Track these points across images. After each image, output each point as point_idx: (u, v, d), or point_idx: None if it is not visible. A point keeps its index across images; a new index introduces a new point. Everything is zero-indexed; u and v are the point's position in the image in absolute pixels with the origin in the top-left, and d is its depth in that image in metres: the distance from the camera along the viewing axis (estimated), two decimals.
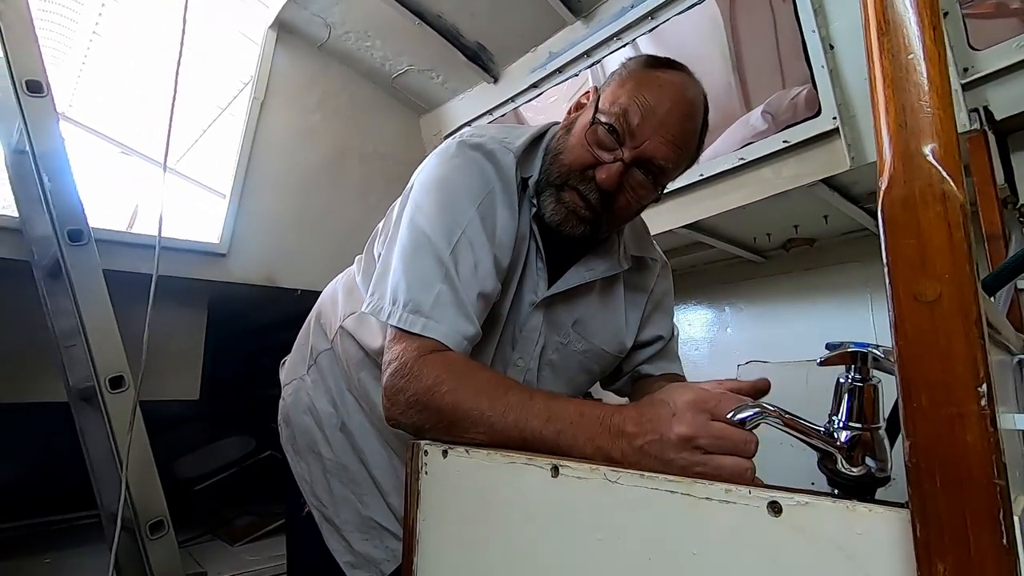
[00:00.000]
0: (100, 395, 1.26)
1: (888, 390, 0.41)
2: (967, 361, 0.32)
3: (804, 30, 1.55)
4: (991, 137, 1.34)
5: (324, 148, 2.32)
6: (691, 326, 2.63)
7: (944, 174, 0.34)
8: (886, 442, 0.47)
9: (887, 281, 0.35)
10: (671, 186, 0.95)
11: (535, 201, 0.89)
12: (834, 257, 2.19)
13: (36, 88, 1.31)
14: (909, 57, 0.36)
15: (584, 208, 0.84)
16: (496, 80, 2.29)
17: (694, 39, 2.27)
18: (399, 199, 0.93)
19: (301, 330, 1.17)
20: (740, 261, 2.41)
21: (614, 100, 0.83)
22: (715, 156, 1.84)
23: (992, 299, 0.83)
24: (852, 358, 0.47)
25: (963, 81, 1.38)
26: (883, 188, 0.36)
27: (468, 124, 2.43)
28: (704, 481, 0.44)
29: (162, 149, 1.18)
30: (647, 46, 1.99)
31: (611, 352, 1.01)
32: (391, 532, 0.99)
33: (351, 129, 2.40)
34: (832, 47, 1.54)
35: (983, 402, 0.31)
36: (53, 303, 1.37)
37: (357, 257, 1.08)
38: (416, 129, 2.65)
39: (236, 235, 2.05)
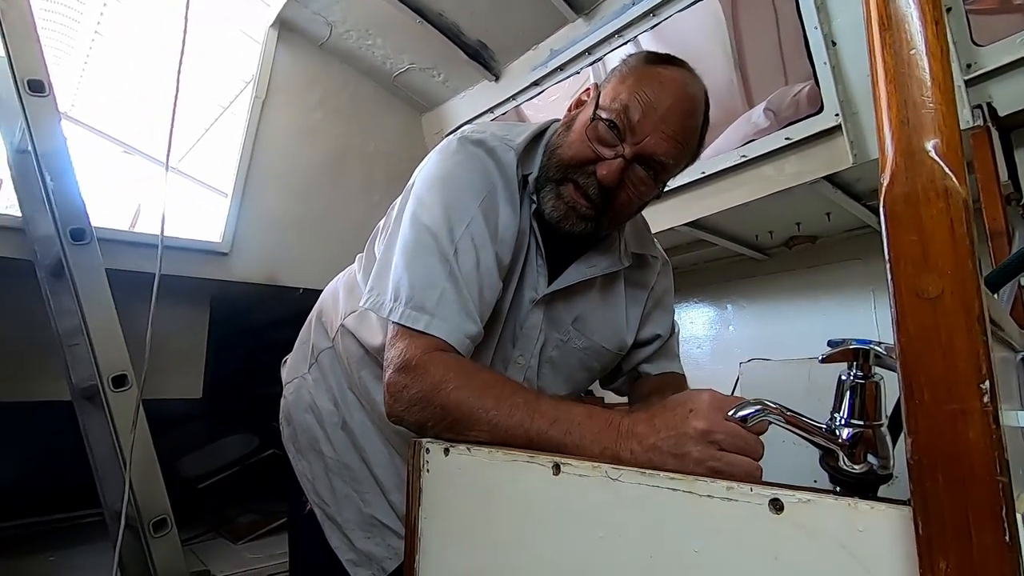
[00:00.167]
0: (103, 394, 1.26)
1: (890, 387, 0.41)
2: (969, 358, 0.32)
3: (806, 26, 1.55)
4: (994, 133, 1.33)
5: (325, 147, 2.32)
6: (693, 324, 2.62)
7: (947, 170, 0.34)
8: (888, 439, 0.47)
9: (889, 278, 0.35)
10: (672, 184, 0.95)
11: (535, 198, 0.89)
12: (836, 254, 2.19)
13: (38, 87, 1.31)
14: (911, 53, 0.36)
15: (584, 204, 0.84)
16: (497, 78, 2.28)
17: (696, 36, 2.26)
18: (400, 197, 0.93)
19: (302, 328, 1.17)
20: (742, 259, 2.40)
21: (615, 96, 0.83)
22: (717, 153, 1.83)
23: (995, 296, 0.82)
24: (854, 355, 0.47)
25: (966, 77, 1.37)
26: (885, 184, 0.36)
27: (469, 122, 2.42)
28: (705, 479, 0.44)
29: (164, 148, 1.18)
30: (649, 43, 1.98)
31: (611, 349, 1.01)
32: (392, 530, 0.99)
33: (352, 128, 2.40)
34: (834, 43, 1.53)
35: (985, 399, 0.31)
36: (56, 302, 1.38)
37: (358, 256, 1.08)
38: (417, 127, 2.64)
39: (238, 234, 2.05)
